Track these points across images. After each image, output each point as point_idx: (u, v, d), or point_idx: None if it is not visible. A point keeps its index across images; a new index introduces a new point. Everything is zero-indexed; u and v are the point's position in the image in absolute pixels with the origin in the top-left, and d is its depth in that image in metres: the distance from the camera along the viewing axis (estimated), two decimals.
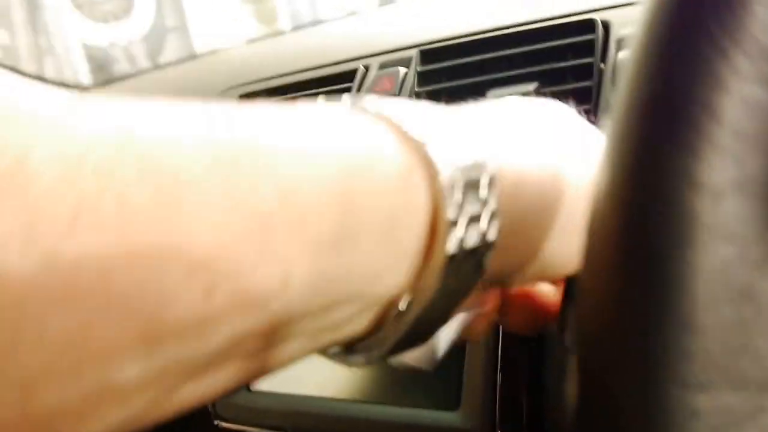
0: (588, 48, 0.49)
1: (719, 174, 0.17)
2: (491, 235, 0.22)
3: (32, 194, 0.15)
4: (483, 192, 0.22)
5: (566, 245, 0.28)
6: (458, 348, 0.47)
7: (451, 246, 0.21)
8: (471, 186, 0.21)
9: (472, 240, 0.22)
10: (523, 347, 0.44)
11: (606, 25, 0.50)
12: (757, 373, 0.18)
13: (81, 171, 0.15)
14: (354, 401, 0.51)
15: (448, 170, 0.21)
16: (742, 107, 0.17)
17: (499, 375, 0.45)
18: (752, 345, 0.17)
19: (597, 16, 0.50)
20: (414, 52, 0.57)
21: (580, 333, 0.20)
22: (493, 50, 0.53)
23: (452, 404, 0.46)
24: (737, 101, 0.17)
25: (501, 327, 0.45)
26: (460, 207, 0.21)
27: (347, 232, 0.19)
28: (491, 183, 0.22)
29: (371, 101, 0.23)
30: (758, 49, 0.17)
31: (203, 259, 0.16)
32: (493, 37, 0.55)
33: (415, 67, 0.56)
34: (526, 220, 0.26)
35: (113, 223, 0.15)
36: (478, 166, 0.22)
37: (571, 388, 0.20)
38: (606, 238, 0.19)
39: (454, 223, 0.21)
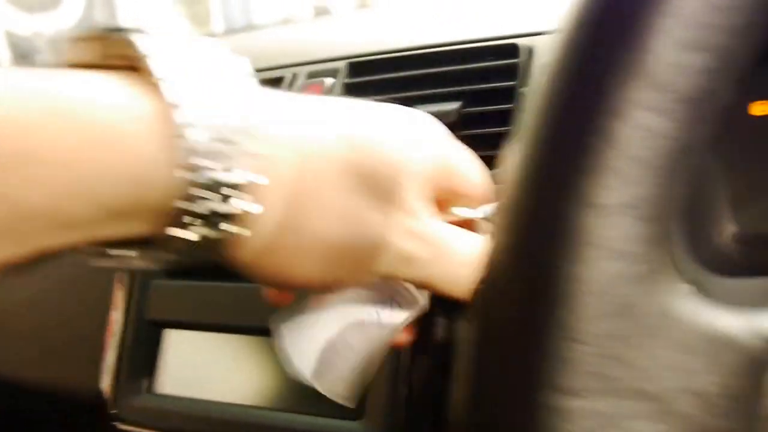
0: (511, 72, 0.51)
1: (610, 194, 0.18)
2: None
3: None
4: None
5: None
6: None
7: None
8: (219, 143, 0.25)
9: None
10: (430, 357, 0.45)
11: (530, 51, 0.51)
12: (627, 382, 0.18)
13: None
14: (256, 407, 0.50)
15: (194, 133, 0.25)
16: (636, 133, 0.18)
17: (405, 386, 0.45)
18: (626, 356, 0.18)
19: (523, 42, 0.52)
20: (342, 64, 0.57)
21: (471, 334, 0.21)
22: (421, 67, 0.54)
23: (356, 413, 0.46)
24: (632, 127, 0.18)
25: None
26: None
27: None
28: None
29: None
30: (653, 81, 0.18)
31: None
32: (421, 54, 0.55)
33: (343, 78, 0.56)
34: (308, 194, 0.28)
35: None
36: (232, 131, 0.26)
37: (456, 391, 0.21)
38: (504, 250, 0.20)
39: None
